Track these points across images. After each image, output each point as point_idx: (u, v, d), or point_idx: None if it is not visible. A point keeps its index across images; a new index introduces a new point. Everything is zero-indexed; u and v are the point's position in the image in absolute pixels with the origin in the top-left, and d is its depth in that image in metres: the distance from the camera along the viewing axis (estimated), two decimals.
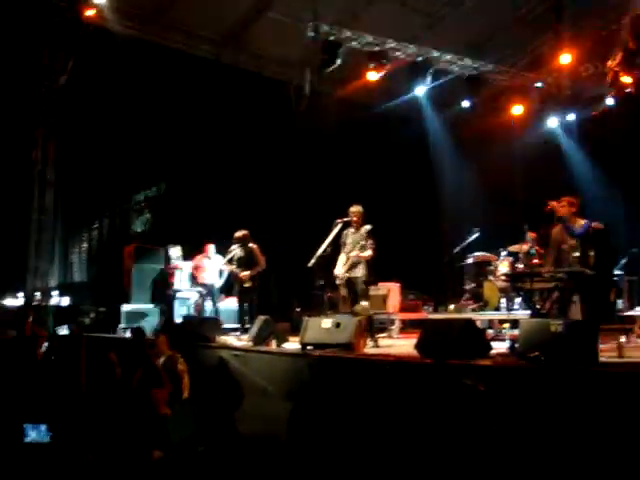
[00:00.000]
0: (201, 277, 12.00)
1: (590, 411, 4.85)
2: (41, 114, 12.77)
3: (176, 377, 8.03)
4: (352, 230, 9.00)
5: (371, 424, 6.15)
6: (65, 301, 14.94)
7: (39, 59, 12.57)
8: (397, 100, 15.17)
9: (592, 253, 7.88)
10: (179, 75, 14.08)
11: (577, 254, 7.73)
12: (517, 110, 14.33)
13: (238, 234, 10.36)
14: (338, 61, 12.18)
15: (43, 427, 3.92)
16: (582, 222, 7.87)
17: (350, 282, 8.86)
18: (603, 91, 12.22)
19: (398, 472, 5.79)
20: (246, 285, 10.27)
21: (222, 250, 11.13)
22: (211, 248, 12.12)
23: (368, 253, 8.82)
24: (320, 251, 8.66)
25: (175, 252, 12.48)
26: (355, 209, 9.02)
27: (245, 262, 10.30)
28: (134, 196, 18.86)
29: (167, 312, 12.08)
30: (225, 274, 11.64)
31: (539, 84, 13.36)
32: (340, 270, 8.93)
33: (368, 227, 8.97)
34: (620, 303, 10.48)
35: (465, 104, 14.33)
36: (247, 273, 10.22)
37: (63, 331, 11.84)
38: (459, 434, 5.47)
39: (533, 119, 14.47)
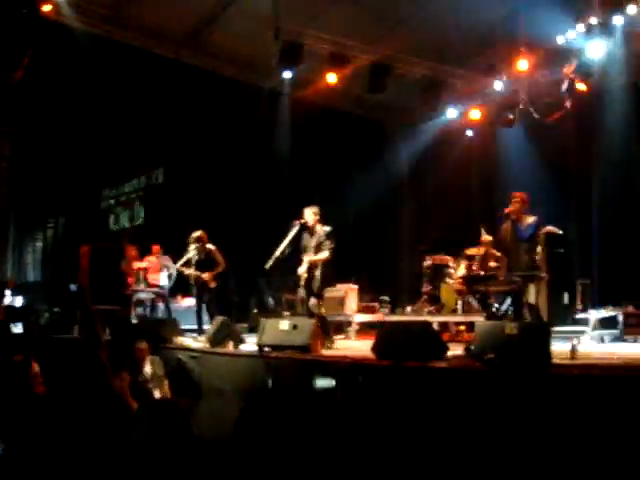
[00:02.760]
0: (150, 278, 12.03)
1: (543, 412, 4.92)
2: None
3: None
4: (309, 231, 8.99)
5: (326, 425, 6.15)
6: (18, 301, 14.69)
7: None
8: (357, 103, 15.29)
9: (539, 250, 7.99)
10: (139, 73, 13.95)
11: (526, 258, 7.81)
12: (474, 114, 14.49)
13: (194, 235, 10.23)
14: (298, 62, 12.22)
15: None
16: (530, 220, 7.94)
17: (308, 283, 8.86)
18: (559, 97, 12.40)
19: (351, 472, 5.81)
20: (211, 286, 10.18)
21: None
22: (158, 249, 12.18)
23: (324, 255, 8.79)
24: (277, 253, 8.64)
25: (132, 252, 12.38)
26: (310, 210, 8.99)
27: (205, 263, 10.19)
28: (113, 190, 18.60)
29: (124, 313, 11.96)
30: (174, 275, 11.65)
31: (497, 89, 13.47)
32: (301, 271, 8.92)
33: (327, 229, 8.94)
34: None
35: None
36: (209, 274, 10.12)
37: (17, 329, 11.61)
38: (414, 435, 5.50)
39: (488, 123, 14.67)
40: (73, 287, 13.09)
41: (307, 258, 8.83)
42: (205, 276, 10.12)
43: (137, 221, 18.06)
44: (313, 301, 8.76)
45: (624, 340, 8.71)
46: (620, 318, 8.96)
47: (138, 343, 8.18)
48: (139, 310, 12.36)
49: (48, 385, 7.69)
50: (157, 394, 7.91)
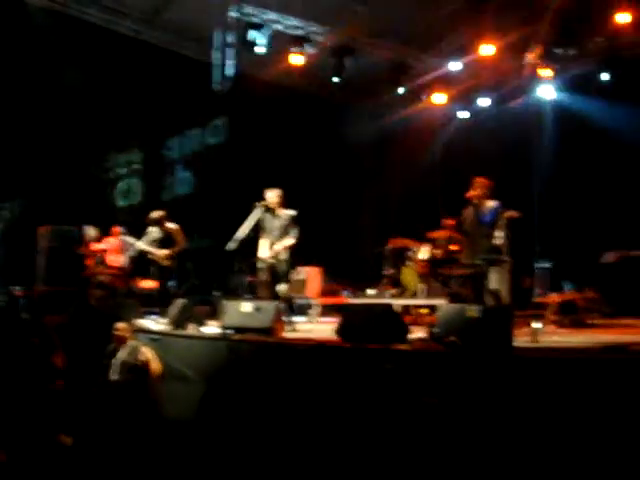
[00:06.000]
0: (109, 260, 11.91)
1: (505, 394, 4.96)
2: None
3: (139, 371, 7.71)
4: (271, 214, 8.94)
5: (290, 407, 6.14)
6: None
7: None
8: (321, 85, 15.20)
9: (499, 234, 8.02)
10: (97, 50, 13.66)
11: (487, 242, 7.84)
12: (439, 99, 14.52)
13: (154, 215, 10.19)
14: (261, 43, 12.11)
15: None
16: (491, 204, 7.97)
17: (273, 267, 8.82)
18: (522, 83, 12.51)
19: (312, 454, 5.80)
20: (164, 264, 10.11)
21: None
22: (118, 230, 12.02)
23: (292, 241, 8.79)
24: (240, 234, 8.58)
25: (91, 233, 12.19)
26: (273, 192, 8.94)
27: (164, 242, 10.13)
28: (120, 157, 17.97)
29: (82, 295, 11.80)
30: (131, 254, 11.49)
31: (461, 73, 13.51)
32: (264, 254, 8.87)
33: (292, 213, 8.91)
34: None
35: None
36: (166, 252, 10.05)
37: None
38: (377, 417, 5.51)
39: (451, 108, 14.74)
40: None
41: (276, 246, 8.78)
42: (159, 254, 10.05)
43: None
44: (283, 285, 8.73)
45: (583, 324, 8.81)
46: (579, 302, 9.07)
47: (115, 325, 7.99)
48: (98, 292, 12.19)
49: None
50: (113, 377, 7.77)
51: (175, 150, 16.90)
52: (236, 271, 10.81)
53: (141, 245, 10.24)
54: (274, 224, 8.89)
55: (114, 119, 14.86)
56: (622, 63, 11.94)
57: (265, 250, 8.88)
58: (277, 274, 8.82)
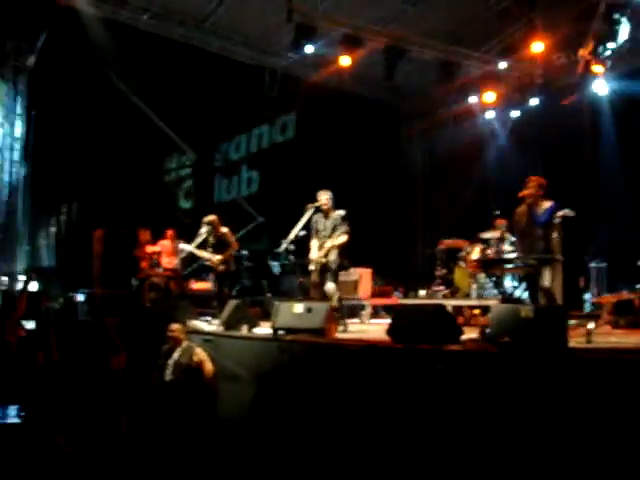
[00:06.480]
0: (164, 262, 12.08)
1: (559, 395, 4.90)
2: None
3: (193, 372, 7.86)
4: (322, 215, 8.97)
5: (342, 407, 6.16)
6: (33, 286, 14.71)
7: (4, 38, 12.31)
8: (370, 85, 15.20)
9: (555, 235, 7.89)
10: (151, 57, 13.91)
11: (542, 243, 7.73)
12: (489, 97, 14.38)
13: (207, 219, 10.27)
14: (312, 45, 12.15)
15: (14, 408, 3.87)
16: (547, 205, 7.83)
17: (323, 268, 8.84)
18: (575, 80, 12.31)
19: (363, 454, 5.81)
20: (219, 270, 10.22)
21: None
22: (172, 233, 12.19)
23: (343, 239, 8.80)
24: (291, 236, 8.64)
25: (145, 236, 12.39)
26: (324, 194, 8.98)
27: (218, 247, 10.24)
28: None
29: (137, 297, 12.00)
30: (182, 256, 11.62)
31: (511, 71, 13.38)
32: (315, 255, 8.90)
33: (342, 212, 8.93)
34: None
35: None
36: (220, 257, 10.16)
37: (29, 325, 11.59)
38: (429, 418, 5.50)
39: (503, 106, 14.58)
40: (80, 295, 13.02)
41: (328, 244, 8.80)
42: (214, 260, 10.17)
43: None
44: (332, 286, 8.75)
45: (639, 324, 8.63)
46: (635, 302, 8.89)
47: (170, 326, 8.15)
48: (152, 294, 12.37)
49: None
50: (168, 377, 7.92)
51: (240, 150, 17.08)
52: (288, 272, 10.87)
53: (197, 252, 10.34)
54: (325, 225, 8.93)
55: (171, 123, 15.13)
56: None
57: (316, 251, 8.91)
58: (327, 274, 8.82)
